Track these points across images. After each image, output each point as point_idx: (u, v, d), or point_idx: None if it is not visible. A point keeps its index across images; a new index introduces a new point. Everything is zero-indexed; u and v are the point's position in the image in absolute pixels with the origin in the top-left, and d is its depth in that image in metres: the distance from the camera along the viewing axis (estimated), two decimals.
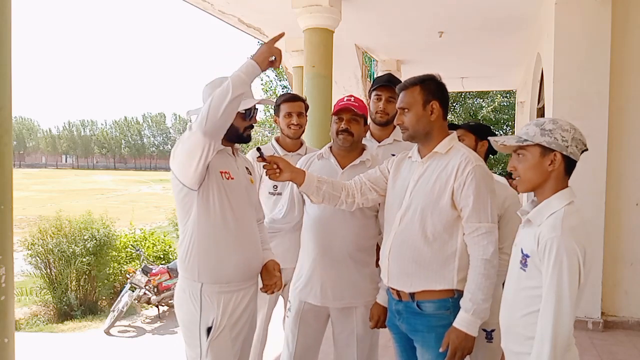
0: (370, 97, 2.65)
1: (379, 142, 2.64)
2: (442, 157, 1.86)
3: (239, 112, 1.86)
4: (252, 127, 1.99)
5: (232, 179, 1.90)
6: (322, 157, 2.24)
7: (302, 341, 2.20)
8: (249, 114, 1.94)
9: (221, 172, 1.87)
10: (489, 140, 2.16)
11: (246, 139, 2.00)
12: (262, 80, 19.74)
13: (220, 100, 1.69)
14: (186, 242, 1.87)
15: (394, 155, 2.23)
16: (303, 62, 5.39)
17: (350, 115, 2.13)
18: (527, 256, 1.54)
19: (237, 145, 2.05)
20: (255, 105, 1.95)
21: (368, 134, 2.63)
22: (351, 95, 2.22)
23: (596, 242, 4.00)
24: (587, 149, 1.60)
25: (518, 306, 1.58)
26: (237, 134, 1.94)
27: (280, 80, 19.35)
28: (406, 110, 1.87)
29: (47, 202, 30.74)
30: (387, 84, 2.56)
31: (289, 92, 2.90)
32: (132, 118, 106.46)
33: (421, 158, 1.90)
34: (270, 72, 19.46)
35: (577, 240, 1.45)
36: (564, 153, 1.55)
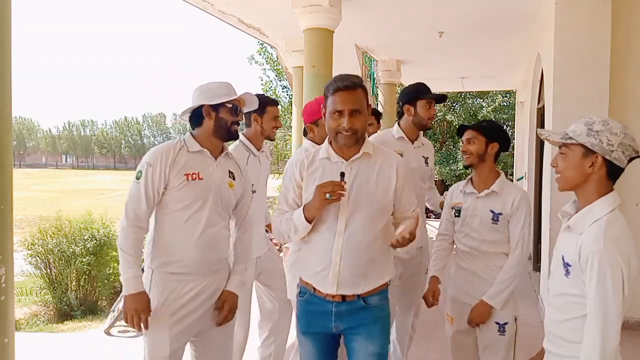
0: (413, 104, 2.67)
1: (413, 144, 2.75)
2: (371, 157, 1.89)
3: (226, 106, 2.06)
4: (238, 123, 2.12)
5: (201, 179, 2.02)
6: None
7: None
8: (235, 110, 2.08)
9: (186, 175, 2.00)
10: (499, 142, 2.32)
11: (234, 135, 2.12)
12: (262, 80, 19.77)
13: None
14: (149, 234, 2.07)
15: (424, 157, 2.74)
16: (303, 62, 5.39)
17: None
18: (569, 265, 1.53)
19: (226, 149, 2.18)
20: (238, 102, 2.11)
21: (403, 134, 2.72)
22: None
23: None
24: (638, 156, 1.55)
25: (559, 311, 1.59)
26: (226, 128, 2.08)
27: (280, 80, 19.36)
28: (358, 112, 1.81)
29: (47, 202, 30.73)
30: (437, 94, 2.74)
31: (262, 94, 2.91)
32: (132, 118, 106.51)
33: (346, 160, 1.87)
34: (270, 72, 19.49)
35: (620, 251, 1.43)
36: (607, 157, 1.50)
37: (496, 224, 2.27)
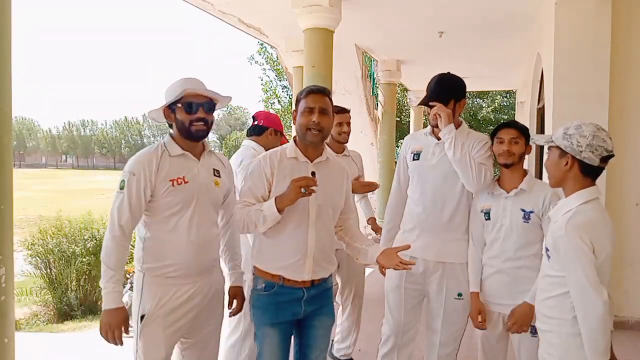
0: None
1: (438, 140, 2.43)
2: (329, 162, 2.13)
3: (179, 106, 1.96)
4: (202, 121, 1.98)
5: (187, 182, 1.99)
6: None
7: None
8: (190, 107, 1.96)
9: (171, 180, 1.96)
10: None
11: (195, 135, 2.00)
12: (262, 80, 19.77)
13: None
14: (138, 238, 2.04)
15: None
16: (303, 62, 5.39)
17: None
18: (547, 250, 1.80)
19: (208, 145, 2.13)
20: (201, 100, 1.98)
21: (430, 131, 2.48)
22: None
23: None
24: (611, 155, 1.74)
25: (543, 291, 1.84)
26: (185, 129, 1.98)
27: (280, 80, 19.36)
28: (326, 112, 2.04)
29: (47, 202, 30.73)
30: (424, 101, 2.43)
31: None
32: (132, 118, 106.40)
33: (310, 161, 2.07)
34: (270, 72, 19.48)
35: (582, 235, 1.64)
36: (577, 157, 1.73)
37: (527, 222, 2.23)
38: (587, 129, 1.73)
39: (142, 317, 1.95)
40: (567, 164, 1.75)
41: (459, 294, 2.39)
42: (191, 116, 1.96)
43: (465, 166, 2.29)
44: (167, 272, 1.97)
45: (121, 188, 1.93)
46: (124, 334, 1.93)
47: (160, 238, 1.98)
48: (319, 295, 2.10)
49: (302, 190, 1.88)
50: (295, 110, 2.09)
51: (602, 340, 1.63)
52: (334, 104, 2.41)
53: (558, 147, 1.78)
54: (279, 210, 1.91)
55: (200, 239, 2.01)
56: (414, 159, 2.48)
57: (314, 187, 1.90)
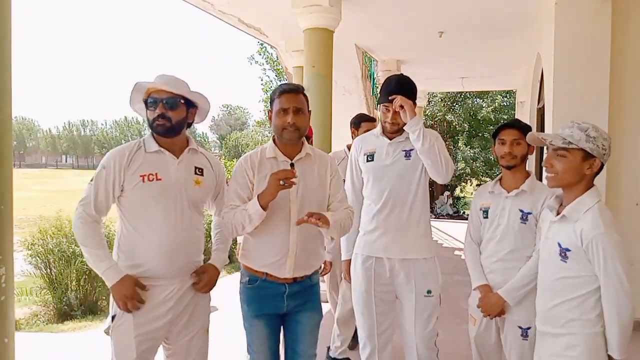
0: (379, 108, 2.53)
1: (391, 140, 2.45)
2: (311, 157, 2.14)
3: (146, 103, 1.96)
4: (163, 117, 1.93)
5: (159, 179, 1.94)
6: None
7: None
8: (153, 104, 1.94)
9: (142, 176, 1.93)
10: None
11: (157, 131, 1.97)
12: (262, 80, 19.77)
13: None
14: (116, 235, 2.03)
15: (405, 150, 2.40)
16: (303, 62, 5.40)
17: None
18: (568, 250, 1.75)
19: (193, 142, 2.08)
20: (162, 95, 1.93)
21: (380, 131, 2.50)
22: None
23: None
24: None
25: (557, 293, 1.80)
26: (150, 124, 1.98)
27: (280, 80, 19.36)
28: (301, 111, 2.04)
29: (47, 202, 30.71)
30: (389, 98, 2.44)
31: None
32: (132, 118, 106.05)
33: (290, 159, 2.09)
34: (270, 72, 19.49)
35: (616, 231, 1.68)
36: (601, 160, 1.75)
37: (525, 223, 2.22)
38: (603, 131, 1.75)
39: (114, 317, 1.92)
40: (590, 167, 1.74)
41: (428, 291, 2.39)
42: (153, 113, 1.94)
43: (434, 156, 2.27)
44: (138, 272, 1.92)
45: (91, 180, 1.94)
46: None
47: (131, 236, 1.94)
48: (302, 291, 2.12)
49: (281, 182, 1.87)
50: (270, 110, 2.08)
51: (629, 335, 1.66)
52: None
53: (582, 150, 1.73)
54: (263, 207, 1.90)
55: (175, 240, 1.94)
56: (367, 160, 2.48)
57: (294, 180, 1.89)
